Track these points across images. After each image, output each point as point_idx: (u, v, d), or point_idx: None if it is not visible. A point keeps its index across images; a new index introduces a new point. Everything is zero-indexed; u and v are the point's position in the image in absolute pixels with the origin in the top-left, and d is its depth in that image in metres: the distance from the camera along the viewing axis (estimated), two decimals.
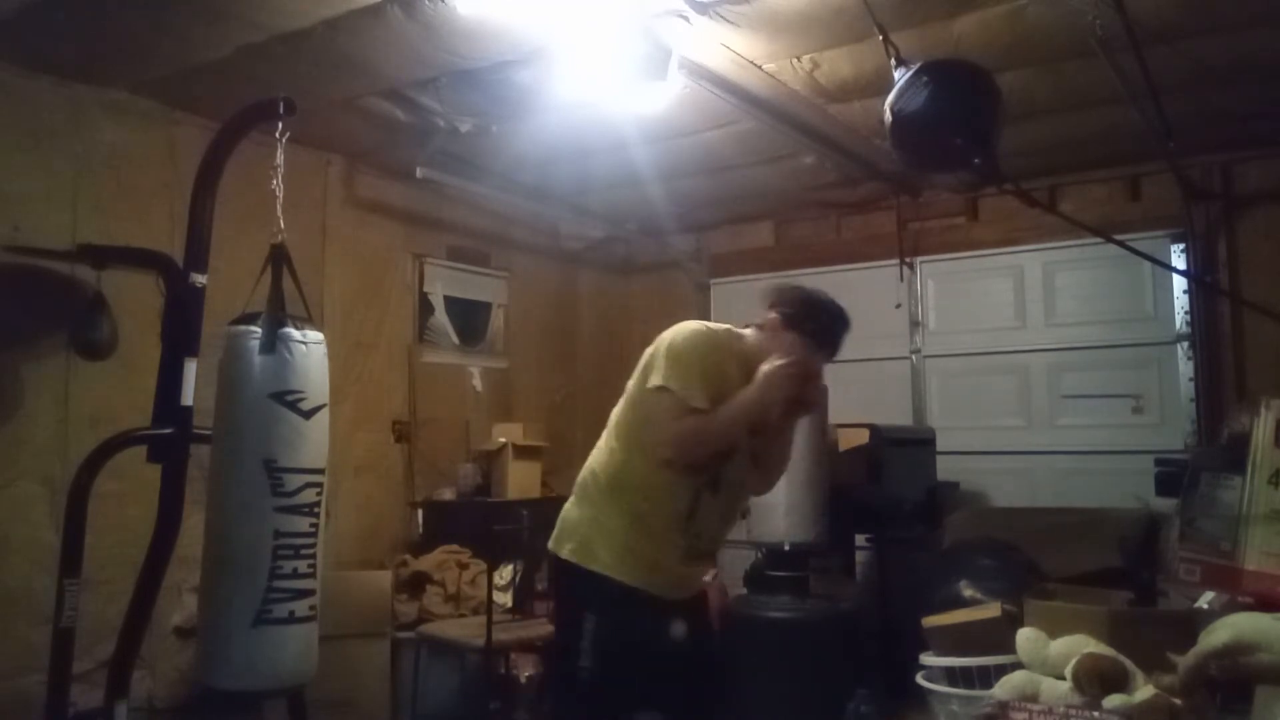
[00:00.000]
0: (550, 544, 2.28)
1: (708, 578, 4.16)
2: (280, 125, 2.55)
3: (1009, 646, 1.69)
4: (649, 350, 2.21)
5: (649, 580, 2.16)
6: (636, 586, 2.14)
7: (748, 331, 2.28)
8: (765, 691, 3.38)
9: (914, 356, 4.95)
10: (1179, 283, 4.28)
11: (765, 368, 2.12)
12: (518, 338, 5.31)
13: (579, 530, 2.23)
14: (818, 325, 2.21)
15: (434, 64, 3.14)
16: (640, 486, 2.18)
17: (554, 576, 2.41)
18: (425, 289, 4.78)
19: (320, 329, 2.52)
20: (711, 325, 2.25)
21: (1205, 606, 1.69)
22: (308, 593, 2.39)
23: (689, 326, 2.22)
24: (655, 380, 2.13)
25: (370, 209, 4.48)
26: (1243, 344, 4.13)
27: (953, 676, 1.92)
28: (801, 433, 3.63)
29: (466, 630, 3.72)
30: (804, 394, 2.18)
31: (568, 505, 2.30)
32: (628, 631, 2.15)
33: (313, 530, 2.41)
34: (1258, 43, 3.07)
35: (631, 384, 2.25)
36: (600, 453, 2.27)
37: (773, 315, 2.21)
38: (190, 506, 2.69)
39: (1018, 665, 1.66)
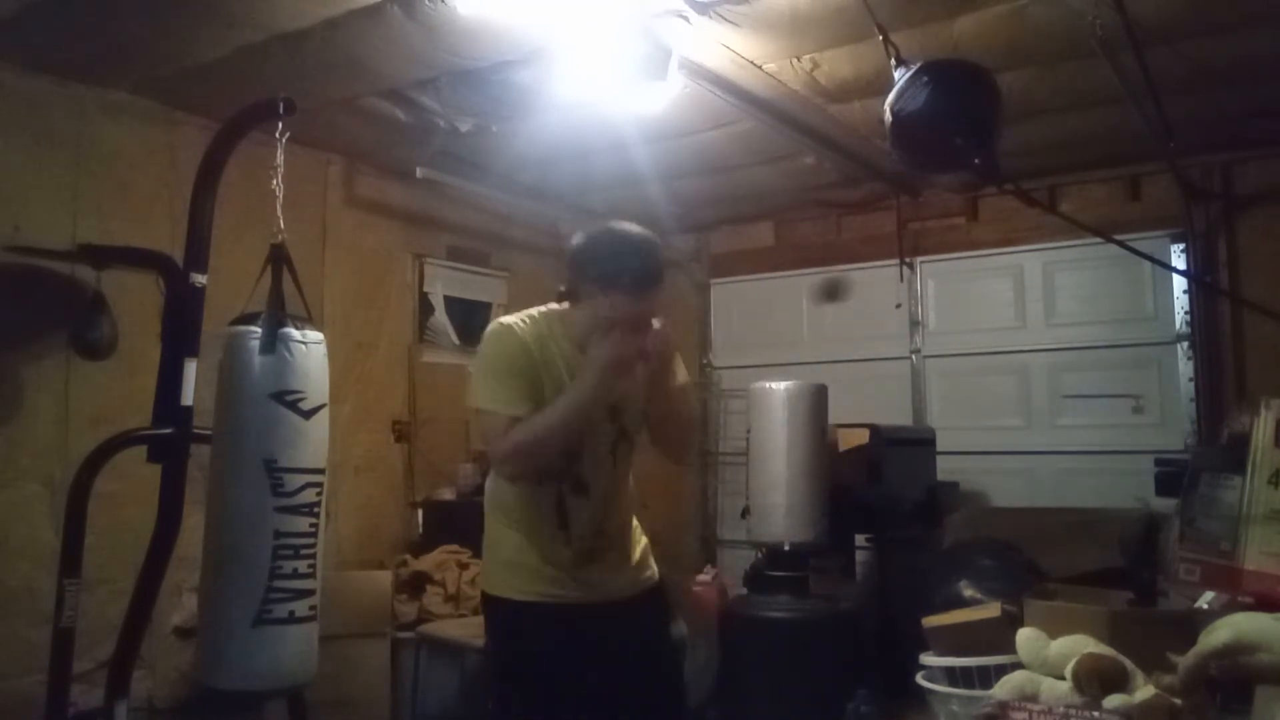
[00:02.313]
0: None
1: (707, 577, 4.19)
2: (280, 125, 2.56)
3: (1009, 646, 1.69)
4: None
5: (548, 590, 2.11)
6: (534, 601, 2.10)
7: (564, 306, 2.15)
8: (765, 691, 3.38)
9: (914, 356, 4.94)
10: (1179, 283, 4.27)
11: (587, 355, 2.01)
12: None
13: (484, 556, 2.25)
14: (602, 272, 1.99)
15: (434, 64, 3.14)
16: (510, 503, 2.16)
17: None
18: (425, 289, 4.77)
19: (320, 329, 2.52)
20: (518, 317, 2.11)
21: (1205, 606, 1.68)
22: (308, 593, 2.40)
23: (489, 331, 2.12)
24: (471, 402, 2.08)
25: (370, 209, 4.48)
26: (1243, 344, 4.12)
27: (953, 676, 1.91)
28: (802, 433, 3.65)
29: (466, 630, 3.71)
30: (642, 350, 2.01)
31: None
32: (529, 649, 2.12)
33: (313, 530, 2.41)
34: (1258, 43, 3.07)
35: None
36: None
37: (561, 290, 2.11)
38: (190, 506, 2.69)
39: (1018, 665, 1.66)
